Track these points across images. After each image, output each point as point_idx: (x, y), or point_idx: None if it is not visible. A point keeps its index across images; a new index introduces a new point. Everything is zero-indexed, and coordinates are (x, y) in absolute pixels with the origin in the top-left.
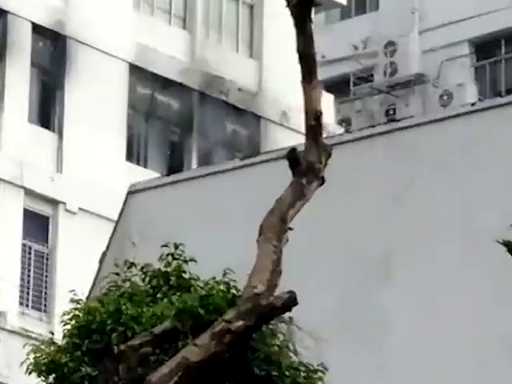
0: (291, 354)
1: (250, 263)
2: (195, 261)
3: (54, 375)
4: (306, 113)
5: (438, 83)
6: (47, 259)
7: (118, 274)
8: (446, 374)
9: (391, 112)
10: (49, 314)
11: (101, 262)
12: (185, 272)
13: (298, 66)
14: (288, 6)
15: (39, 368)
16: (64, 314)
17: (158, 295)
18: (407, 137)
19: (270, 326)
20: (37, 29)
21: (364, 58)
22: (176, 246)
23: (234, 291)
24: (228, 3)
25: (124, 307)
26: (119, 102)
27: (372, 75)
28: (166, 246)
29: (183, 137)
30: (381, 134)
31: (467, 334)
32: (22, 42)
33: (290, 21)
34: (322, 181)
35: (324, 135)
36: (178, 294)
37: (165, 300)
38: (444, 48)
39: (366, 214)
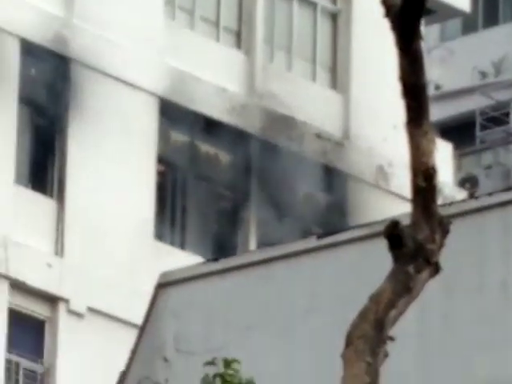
0: None
1: None
2: None
3: None
4: (414, 169)
5: None
6: (41, 382)
7: None
8: None
9: None
10: None
11: None
12: None
13: (402, 102)
14: (387, 15)
15: None
16: None
17: None
18: None
19: None
20: (27, 47)
21: (496, 89)
22: (227, 363)
23: None
24: (301, 11)
25: None
26: (145, 154)
27: (507, 114)
28: (212, 363)
29: (236, 204)
30: None
31: None
32: (6, 67)
33: (390, 36)
34: (437, 268)
35: (439, 202)
36: None
37: None
38: None
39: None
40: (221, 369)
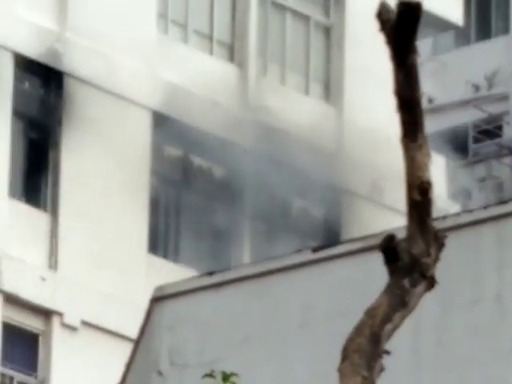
0: None
1: None
2: None
3: None
4: (409, 183)
5: None
6: None
7: None
8: None
9: None
10: None
11: None
12: None
13: (397, 116)
14: (382, 29)
15: None
16: None
17: None
18: None
19: None
20: (21, 61)
21: (489, 102)
22: (225, 377)
23: None
24: (294, 25)
25: None
26: (139, 168)
27: (500, 127)
28: (210, 375)
29: (230, 218)
30: None
31: None
32: (0, 81)
33: (384, 50)
34: (432, 282)
35: (434, 215)
36: None
37: None
38: None
39: None
40: (218, 382)
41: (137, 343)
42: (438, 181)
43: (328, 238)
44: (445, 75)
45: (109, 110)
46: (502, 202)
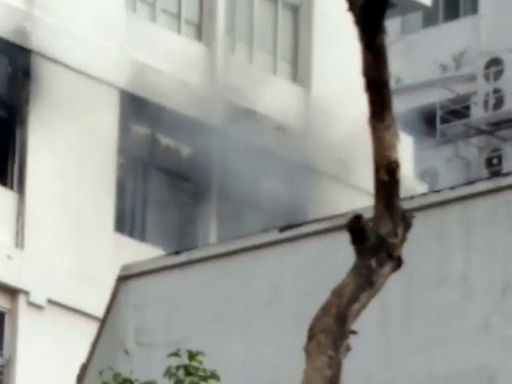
0: None
1: (293, 381)
2: (218, 377)
3: None
4: (376, 163)
5: None
6: (1, 374)
7: None
8: None
9: (495, 161)
10: None
11: (80, 378)
12: None
13: (364, 96)
14: (350, 9)
15: None
16: None
17: None
18: None
19: None
20: None
21: (456, 82)
22: (191, 356)
23: None
24: (262, 3)
25: None
26: (106, 147)
27: (468, 108)
28: (175, 354)
29: (197, 196)
30: (482, 194)
31: None
32: None
33: (353, 30)
34: (399, 262)
35: (401, 195)
36: None
37: None
38: None
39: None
40: (184, 361)
41: (103, 322)
42: (406, 161)
43: (295, 218)
44: (413, 55)
45: (76, 89)
46: (469, 183)
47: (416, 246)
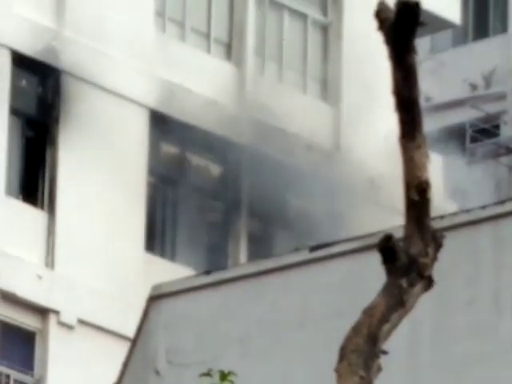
0: None
1: None
2: None
3: None
4: (406, 183)
5: None
6: None
7: None
8: None
9: None
10: None
11: None
12: None
13: (395, 116)
14: (380, 28)
15: None
16: None
17: None
18: None
19: None
20: (18, 59)
21: (486, 101)
22: (223, 376)
23: None
24: (291, 22)
25: None
26: (136, 166)
27: (498, 127)
28: (207, 374)
29: (227, 216)
30: None
31: None
32: None
33: (383, 49)
34: (430, 282)
35: (431, 215)
36: None
37: None
38: None
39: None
40: (215, 381)
41: (134, 342)
42: (436, 180)
43: (325, 238)
44: (442, 74)
45: (106, 108)
46: (500, 202)
47: (447, 265)
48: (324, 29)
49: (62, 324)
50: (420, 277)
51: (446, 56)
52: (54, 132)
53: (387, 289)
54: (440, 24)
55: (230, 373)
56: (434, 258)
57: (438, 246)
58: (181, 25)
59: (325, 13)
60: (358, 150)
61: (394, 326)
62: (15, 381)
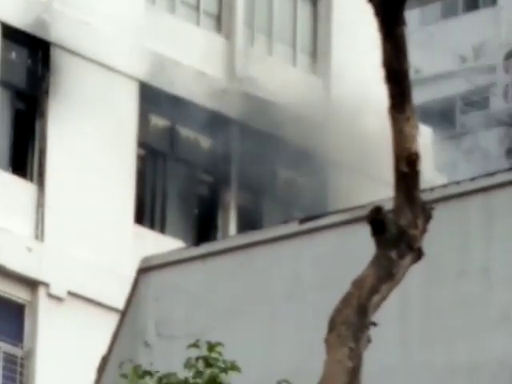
0: None
1: (313, 373)
2: (238, 369)
3: None
4: (396, 155)
5: None
6: (21, 366)
7: None
8: None
9: None
10: None
11: (100, 370)
12: None
13: (384, 87)
14: (370, 1)
15: None
16: None
17: None
18: None
19: None
20: (8, 31)
21: (476, 73)
22: (211, 347)
23: None
24: None
25: None
26: (125, 139)
27: (487, 99)
28: (195, 345)
29: (217, 188)
30: (502, 185)
31: None
32: None
33: (372, 21)
34: (419, 254)
35: (421, 187)
36: None
37: None
38: None
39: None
40: (204, 352)
41: (123, 314)
42: (425, 152)
43: (315, 210)
44: (432, 46)
45: (95, 81)
46: (489, 174)
47: (436, 237)
48: (313, 1)
49: (51, 296)
50: (409, 248)
51: (436, 28)
52: (43, 104)
53: (377, 260)
54: None
55: (217, 344)
56: (424, 230)
57: (428, 217)
58: None
59: None
60: (347, 123)
61: (384, 298)
62: (5, 353)
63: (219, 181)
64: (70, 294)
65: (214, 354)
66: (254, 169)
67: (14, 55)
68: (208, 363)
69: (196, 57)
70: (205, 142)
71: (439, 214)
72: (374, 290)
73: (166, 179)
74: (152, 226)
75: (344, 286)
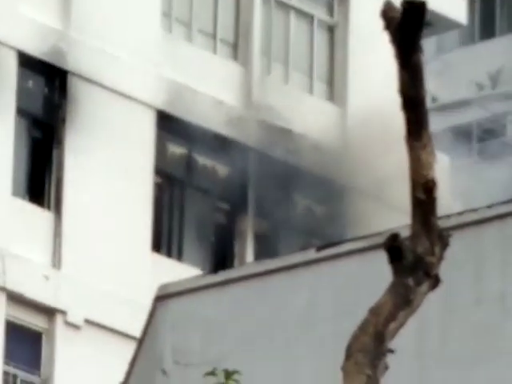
0: None
1: None
2: None
3: None
4: (413, 182)
5: None
6: None
7: None
8: None
9: None
10: None
11: None
12: None
13: (401, 115)
14: (387, 28)
15: None
16: None
17: None
18: None
19: None
20: (24, 60)
21: (493, 101)
22: (228, 375)
23: None
24: (298, 23)
25: None
26: (142, 167)
27: (505, 126)
28: (212, 373)
29: (234, 216)
30: None
31: None
32: (4, 79)
33: (389, 49)
34: (436, 281)
35: (438, 214)
36: None
37: None
38: None
39: None
40: (221, 380)
41: (140, 342)
42: (442, 180)
43: (332, 237)
44: (448, 74)
45: (113, 109)
46: (506, 202)
47: (453, 264)
48: (330, 29)
49: (68, 324)
50: (426, 276)
51: (453, 56)
52: (60, 133)
53: (394, 288)
54: (446, 24)
55: (234, 372)
56: (441, 257)
57: (445, 244)
58: (187, 25)
59: (331, 13)
60: (364, 150)
61: (401, 325)
62: (22, 381)
63: (236, 208)
64: (87, 321)
65: (231, 382)
66: (270, 196)
67: (30, 84)
68: None
69: (213, 85)
70: (222, 170)
71: (456, 241)
72: (391, 317)
73: (183, 207)
74: (169, 254)
75: (361, 314)
